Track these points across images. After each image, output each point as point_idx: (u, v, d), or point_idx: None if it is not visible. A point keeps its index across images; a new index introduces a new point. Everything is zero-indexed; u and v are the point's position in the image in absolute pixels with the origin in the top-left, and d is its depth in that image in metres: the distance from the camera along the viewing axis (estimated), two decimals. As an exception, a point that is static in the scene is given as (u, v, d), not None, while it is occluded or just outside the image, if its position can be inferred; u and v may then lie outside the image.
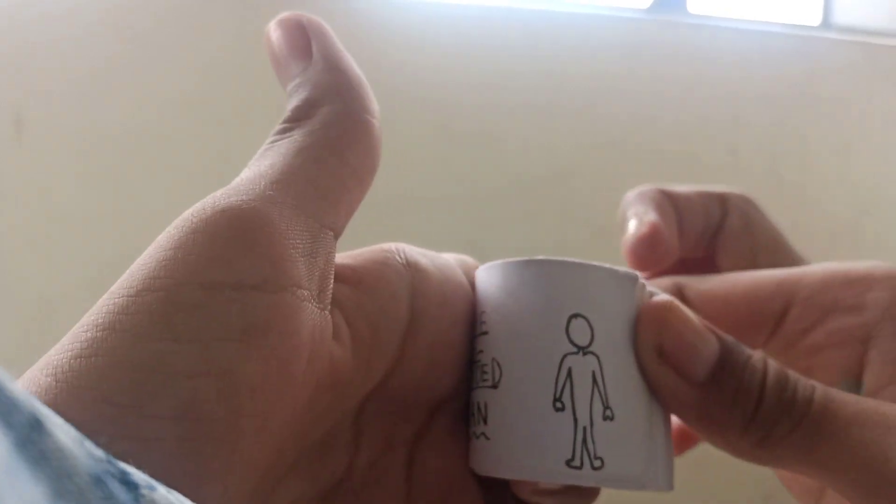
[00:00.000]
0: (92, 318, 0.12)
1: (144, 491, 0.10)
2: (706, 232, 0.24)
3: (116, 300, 0.12)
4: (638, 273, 0.18)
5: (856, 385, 0.19)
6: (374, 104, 0.17)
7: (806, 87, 0.99)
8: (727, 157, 0.97)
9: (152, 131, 0.87)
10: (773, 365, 0.18)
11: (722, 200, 0.24)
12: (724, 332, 0.18)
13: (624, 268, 0.18)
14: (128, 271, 0.13)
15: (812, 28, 1.05)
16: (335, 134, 0.16)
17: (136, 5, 0.87)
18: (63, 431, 0.09)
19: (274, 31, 0.17)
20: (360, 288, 0.16)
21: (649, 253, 0.22)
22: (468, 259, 0.21)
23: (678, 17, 1.01)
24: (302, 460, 0.16)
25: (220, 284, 0.13)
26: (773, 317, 0.20)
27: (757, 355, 0.18)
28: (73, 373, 0.12)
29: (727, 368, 0.17)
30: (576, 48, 0.95)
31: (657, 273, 0.23)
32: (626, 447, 0.17)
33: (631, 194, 0.24)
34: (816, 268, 0.21)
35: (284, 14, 0.17)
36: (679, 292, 0.22)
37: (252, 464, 0.13)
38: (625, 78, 0.95)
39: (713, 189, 0.24)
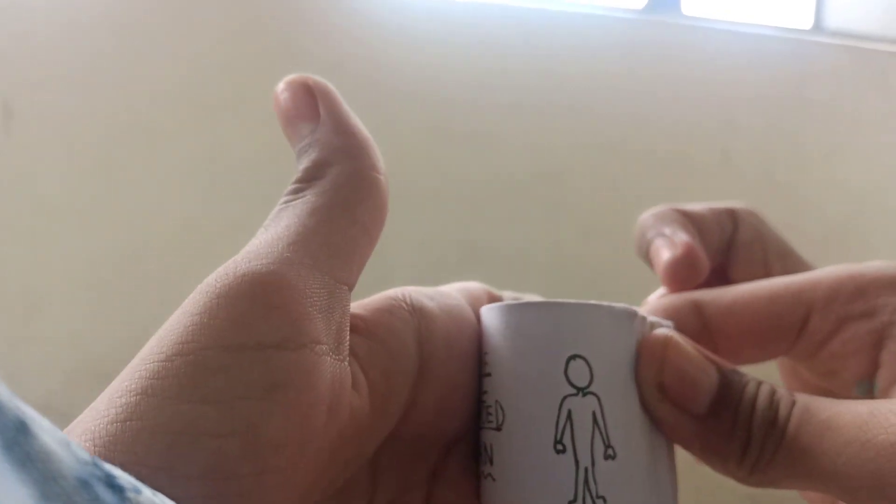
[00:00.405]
0: (125, 383, 0.13)
1: (130, 494, 0.10)
2: (720, 246, 0.24)
3: (148, 366, 0.13)
4: (636, 308, 0.19)
5: (869, 387, 0.19)
6: (381, 161, 0.18)
7: (797, 89, 1.00)
8: (719, 158, 0.97)
9: (142, 122, 0.86)
10: (765, 388, 0.18)
11: (731, 215, 0.25)
12: (724, 361, 0.18)
13: (621, 304, 0.18)
14: (156, 336, 0.14)
15: (804, 31, 1.06)
16: (345, 193, 0.17)
17: (127, -4, 0.86)
18: (49, 434, 0.09)
19: (282, 94, 0.18)
20: (371, 338, 0.17)
21: (689, 273, 0.22)
22: (474, 287, 0.21)
23: (672, 18, 1.01)
24: None
25: (243, 346, 0.14)
26: (794, 327, 0.21)
27: (752, 381, 0.18)
28: (109, 438, 0.12)
29: (725, 399, 0.18)
30: (570, 47, 0.95)
31: (681, 290, 0.23)
32: (628, 484, 0.17)
33: (647, 216, 0.24)
34: (828, 273, 0.21)
35: (291, 76, 0.18)
36: (697, 310, 0.22)
37: None
38: (619, 78, 0.96)
39: (720, 205, 0.25)
